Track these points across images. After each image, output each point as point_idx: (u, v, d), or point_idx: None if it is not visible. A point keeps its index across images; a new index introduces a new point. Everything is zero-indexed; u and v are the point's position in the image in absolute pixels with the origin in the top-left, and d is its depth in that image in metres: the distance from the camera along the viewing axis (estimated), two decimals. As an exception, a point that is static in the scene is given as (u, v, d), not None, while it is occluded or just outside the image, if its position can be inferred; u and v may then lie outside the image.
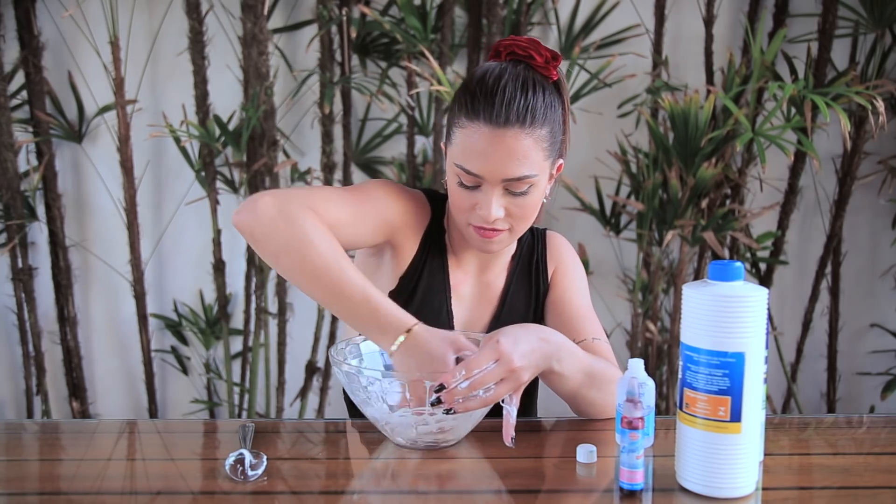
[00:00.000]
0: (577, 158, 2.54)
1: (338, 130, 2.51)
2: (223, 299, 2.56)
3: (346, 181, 2.52)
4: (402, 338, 0.99)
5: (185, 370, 2.71)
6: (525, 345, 0.98)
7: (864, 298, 2.63)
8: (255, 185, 2.43)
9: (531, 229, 1.29)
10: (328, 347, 2.57)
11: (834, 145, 2.48)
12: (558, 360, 1.04)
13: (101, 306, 2.68)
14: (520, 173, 1.07)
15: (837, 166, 2.47)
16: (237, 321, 2.64)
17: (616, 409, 1.01)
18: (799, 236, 2.60)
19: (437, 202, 1.25)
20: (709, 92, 2.31)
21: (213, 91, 2.46)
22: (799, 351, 2.58)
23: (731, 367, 0.85)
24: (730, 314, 0.85)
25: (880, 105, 2.06)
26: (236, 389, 2.62)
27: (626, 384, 0.92)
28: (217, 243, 2.49)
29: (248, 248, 2.50)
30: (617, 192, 2.46)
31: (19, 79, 2.51)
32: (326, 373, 2.62)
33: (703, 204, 2.31)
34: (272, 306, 2.56)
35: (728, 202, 2.44)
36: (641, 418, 0.88)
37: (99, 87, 2.53)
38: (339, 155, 2.52)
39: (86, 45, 2.48)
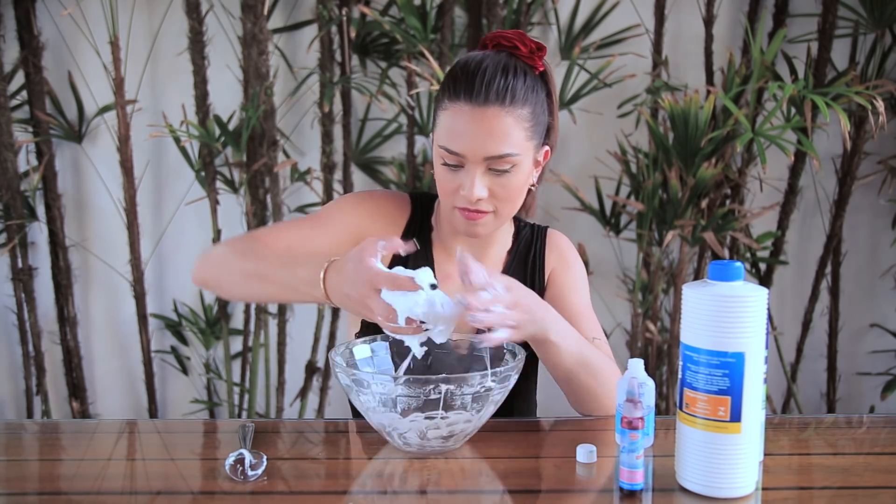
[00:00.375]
0: (577, 158, 2.54)
1: (338, 130, 2.51)
2: (223, 300, 2.56)
3: (346, 181, 2.52)
4: (321, 273, 0.99)
5: (185, 370, 2.71)
6: (534, 299, 1.05)
7: (864, 298, 2.63)
8: (254, 185, 2.43)
9: (532, 226, 1.30)
10: (328, 348, 2.58)
11: (834, 145, 2.48)
12: (556, 332, 1.06)
13: (101, 306, 2.68)
14: (500, 151, 1.08)
15: (837, 166, 2.47)
16: (237, 321, 2.64)
17: (616, 410, 1.01)
18: (799, 236, 2.60)
19: (421, 201, 1.27)
20: (709, 92, 2.31)
21: (213, 91, 2.46)
22: (799, 351, 2.58)
23: (731, 367, 0.85)
24: (730, 314, 0.85)
25: (880, 105, 2.06)
26: (236, 389, 2.62)
27: (626, 384, 0.92)
28: (217, 243, 2.50)
29: (248, 248, 2.50)
30: (617, 192, 2.46)
31: (19, 79, 2.51)
32: (326, 373, 2.62)
33: (703, 204, 2.31)
34: (272, 306, 2.56)
35: (728, 202, 2.44)
36: (641, 418, 0.88)
37: (99, 87, 2.53)
38: (339, 155, 2.53)
39: (86, 45, 2.48)
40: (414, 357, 1.06)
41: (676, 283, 2.40)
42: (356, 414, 1.26)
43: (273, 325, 2.57)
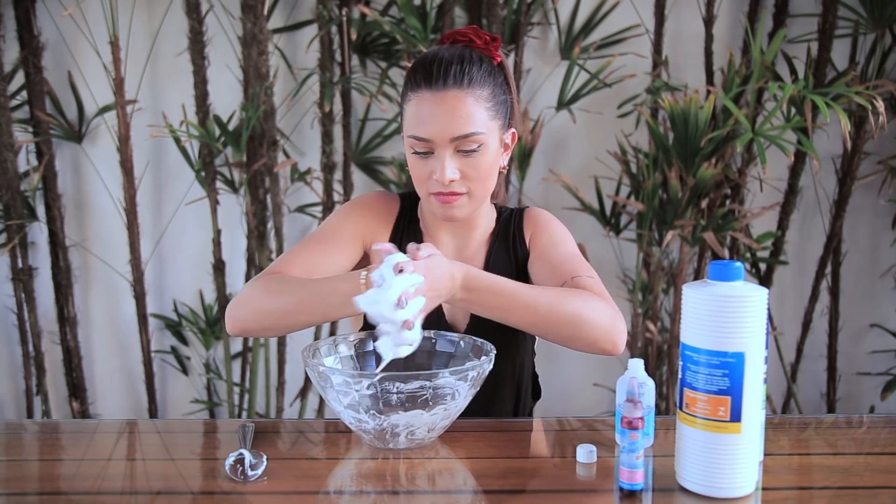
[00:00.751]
0: (577, 158, 2.54)
1: (338, 130, 2.51)
2: (223, 299, 2.56)
3: (346, 181, 2.52)
4: (361, 280, 1.02)
5: (185, 370, 2.71)
6: (441, 270, 1.02)
7: (864, 298, 2.63)
8: (254, 185, 2.43)
9: (512, 210, 1.33)
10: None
11: (834, 145, 2.48)
12: (464, 288, 1.05)
13: (101, 306, 2.68)
14: (466, 130, 1.12)
15: (837, 166, 2.47)
16: (237, 321, 2.64)
17: (617, 408, 1.01)
18: (799, 236, 2.60)
19: (410, 197, 1.32)
20: (709, 92, 2.31)
21: (213, 91, 2.46)
22: (799, 351, 2.58)
23: (731, 367, 0.85)
24: (730, 314, 0.85)
25: (880, 105, 2.06)
26: (236, 389, 2.62)
27: (626, 384, 0.92)
28: (217, 243, 2.49)
29: (248, 248, 2.50)
30: (617, 192, 2.46)
31: (19, 79, 2.51)
32: (326, 373, 2.61)
33: (703, 204, 2.31)
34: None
35: (728, 202, 2.44)
36: (641, 418, 0.88)
37: (99, 87, 2.53)
38: (339, 155, 2.53)
39: (86, 45, 2.48)
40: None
41: (676, 283, 2.40)
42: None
43: (273, 325, 2.57)
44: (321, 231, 1.26)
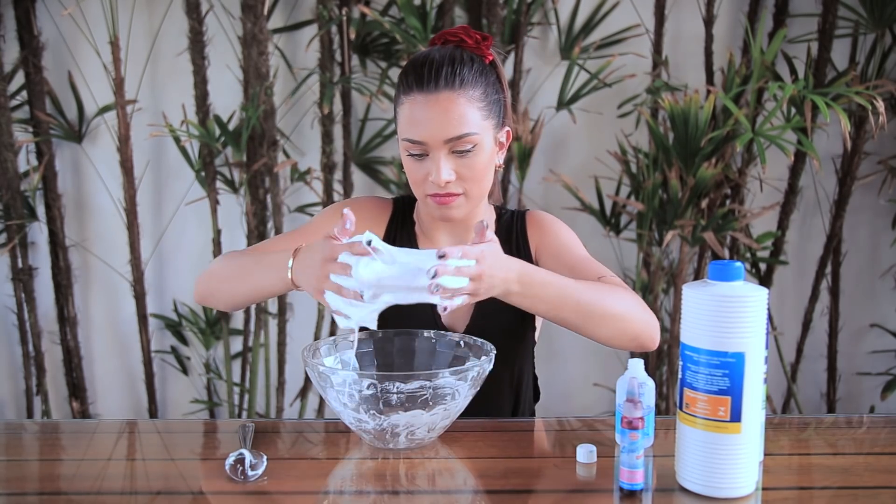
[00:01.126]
0: (577, 158, 2.54)
1: (338, 130, 2.51)
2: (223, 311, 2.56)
3: (346, 181, 2.52)
4: (290, 261, 1.06)
5: (185, 370, 2.71)
6: (499, 262, 1.01)
7: (864, 298, 2.63)
8: (254, 185, 2.43)
9: (512, 212, 1.32)
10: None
11: (834, 145, 2.48)
12: (521, 283, 1.03)
13: (101, 306, 2.68)
14: (459, 132, 1.12)
15: (837, 166, 2.47)
16: (237, 321, 2.64)
17: (617, 408, 1.01)
18: (799, 236, 2.60)
19: (403, 200, 1.32)
20: (709, 92, 2.31)
21: (213, 91, 2.46)
22: (799, 351, 2.58)
23: (731, 367, 0.85)
24: (730, 314, 0.85)
25: (880, 105, 2.06)
26: (236, 389, 2.62)
27: (626, 384, 0.92)
28: (217, 243, 2.49)
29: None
30: (617, 192, 2.46)
31: (19, 79, 2.51)
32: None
33: (703, 204, 2.31)
34: (272, 306, 2.57)
35: (728, 202, 2.44)
36: (641, 418, 0.88)
37: (99, 87, 2.53)
38: (339, 155, 2.53)
39: (86, 45, 2.48)
40: (377, 350, 1.14)
41: (676, 283, 2.40)
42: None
43: (273, 325, 2.57)
44: (305, 226, 1.28)
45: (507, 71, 2.11)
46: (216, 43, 2.45)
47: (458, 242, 1.28)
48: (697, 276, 2.48)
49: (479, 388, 1.04)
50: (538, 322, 1.31)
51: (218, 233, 2.49)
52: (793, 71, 2.35)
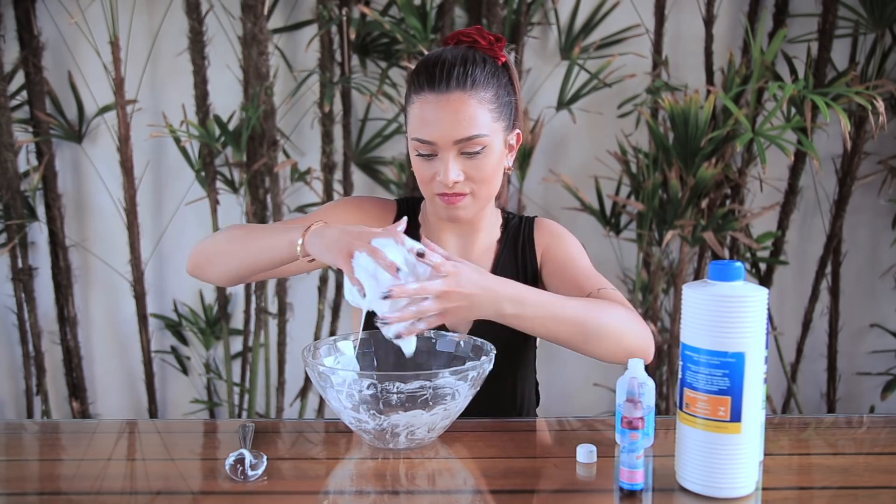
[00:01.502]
0: (577, 158, 2.54)
1: (338, 130, 2.51)
2: (223, 299, 2.56)
3: (346, 181, 2.52)
4: (303, 230, 1.08)
5: (185, 370, 2.71)
6: (477, 276, 1.02)
7: (864, 298, 2.63)
8: (255, 185, 2.43)
9: (520, 217, 1.32)
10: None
11: (834, 145, 2.48)
12: (514, 304, 1.03)
13: (101, 306, 2.68)
14: (469, 133, 1.12)
15: (837, 166, 2.47)
16: (237, 321, 2.64)
17: (617, 408, 1.01)
18: (799, 236, 2.60)
19: (407, 203, 1.32)
20: (709, 92, 2.31)
21: (213, 91, 2.46)
22: (799, 351, 2.58)
23: (731, 367, 0.85)
24: (730, 314, 0.85)
25: (880, 105, 2.06)
26: (236, 389, 2.62)
27: (626, 384, 0.92)
28: (217, 243, 2.49)
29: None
30: (617, 192, 2.46)
31: (19, 79, 2.51)
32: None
33: (703, 204, 2.31)
34: (272, 306, 2.57)
35: (728, 202, 2.44)
36: (641, 418, 0.88)
37: (99, 87, 2.53)
38: (339, 155, 2.53)
39: (86, 45, 2.48)
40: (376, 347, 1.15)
41: (676, 283, 2.40)
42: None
43: (273, 325, 2.57)
44: (312, 214, 1.28)
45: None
46: (216, 43, 2.45)
47: (464, 245, 1.28)
48: (697, 276, 2.48)
49: (479, 391, 1.04)
50: None
51: (218, 233, 2.49)
52: (793, 71, 2.35)
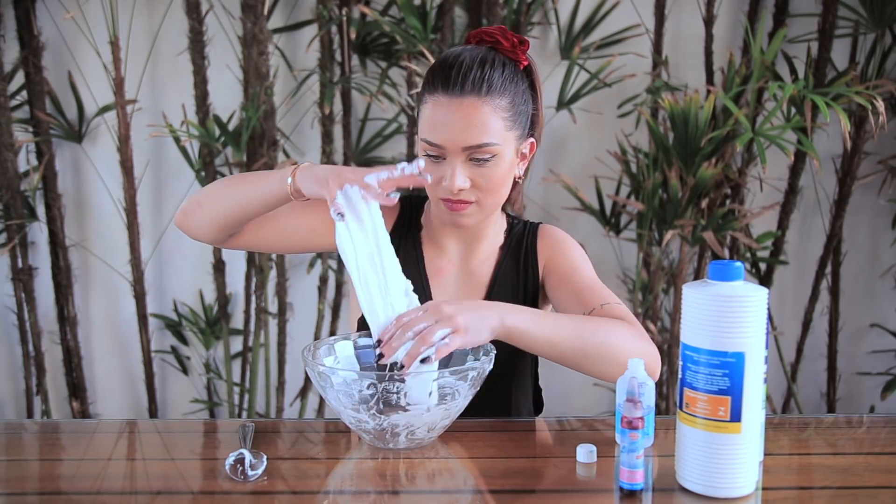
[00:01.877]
0: (577, 158, 2.54)
1: (338, 130, 2.51)
2: (223, 299, 2.56)
3: (346, 181, 2.52)
4: (292, 175, 1.08)
5: (185, 370, 2.71)
6: (458, 303, 1.00)
7: (864, 298, 2.63)
8: (255, 185, 2.43)
9: (524, 223, 1.30)
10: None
11: (834, 145, 2.48)
12: (512, 314, 1.01)
13: (101, 306, 2.68)
14: (479, 141, 1.09)
15: (837, 166, 2.47)
16: (237, 321, 2.64)
17: (617, 408, 1.01)
18: (799, 236, 2.60)
19: (410, 202, 1.30)
20: (709, 92, 2.31)
21: (213, 91, 2.46)
22: (799, 351, 2.58)
23: (731, 367, 0.85)
24: (730, 314, 0.85)
25: (880, 105, 2.06)
26: (236, 389, 2.62)
27: (626, 384, 0.92)
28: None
29: (248, 248, 2.50)
30: (617, 192, 2.46)
31: (19, 79, 2.51)
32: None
33: (703, 204, 2.31)
34: (272, 306, 2.56)
35: (728, 202, 2.44)
36: (641, 418, 0.88)
37: (99, 87, 2.53)
38: (339, 155, 2.53)
39: (86, 45, 2.48)
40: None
41: (676, 283, 2.40)
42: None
43: (273, 325, 2.57)
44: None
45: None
46: (216, 43, 2.45)
47: (466, 250, 1.26)
48: (697, 276, 2.48)
49: (478, 391, 1.04)
50: None
51: (218, 233, 2.49)
52: (793, 71, 2.35)
